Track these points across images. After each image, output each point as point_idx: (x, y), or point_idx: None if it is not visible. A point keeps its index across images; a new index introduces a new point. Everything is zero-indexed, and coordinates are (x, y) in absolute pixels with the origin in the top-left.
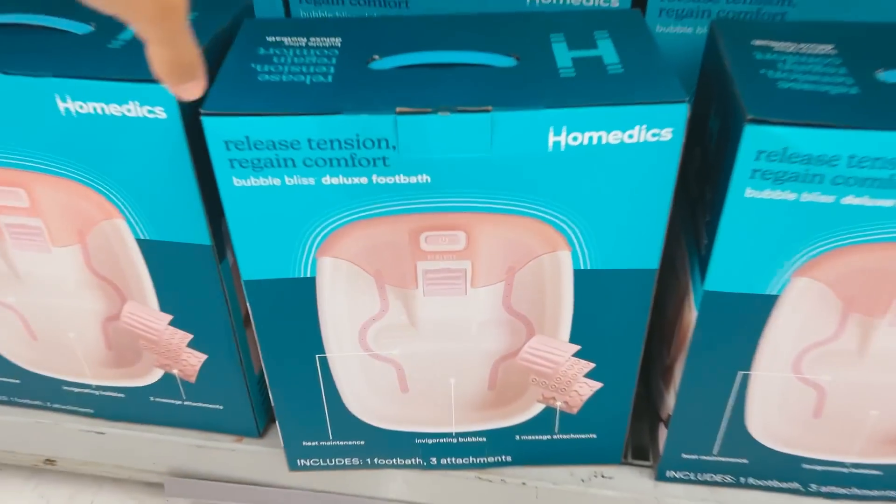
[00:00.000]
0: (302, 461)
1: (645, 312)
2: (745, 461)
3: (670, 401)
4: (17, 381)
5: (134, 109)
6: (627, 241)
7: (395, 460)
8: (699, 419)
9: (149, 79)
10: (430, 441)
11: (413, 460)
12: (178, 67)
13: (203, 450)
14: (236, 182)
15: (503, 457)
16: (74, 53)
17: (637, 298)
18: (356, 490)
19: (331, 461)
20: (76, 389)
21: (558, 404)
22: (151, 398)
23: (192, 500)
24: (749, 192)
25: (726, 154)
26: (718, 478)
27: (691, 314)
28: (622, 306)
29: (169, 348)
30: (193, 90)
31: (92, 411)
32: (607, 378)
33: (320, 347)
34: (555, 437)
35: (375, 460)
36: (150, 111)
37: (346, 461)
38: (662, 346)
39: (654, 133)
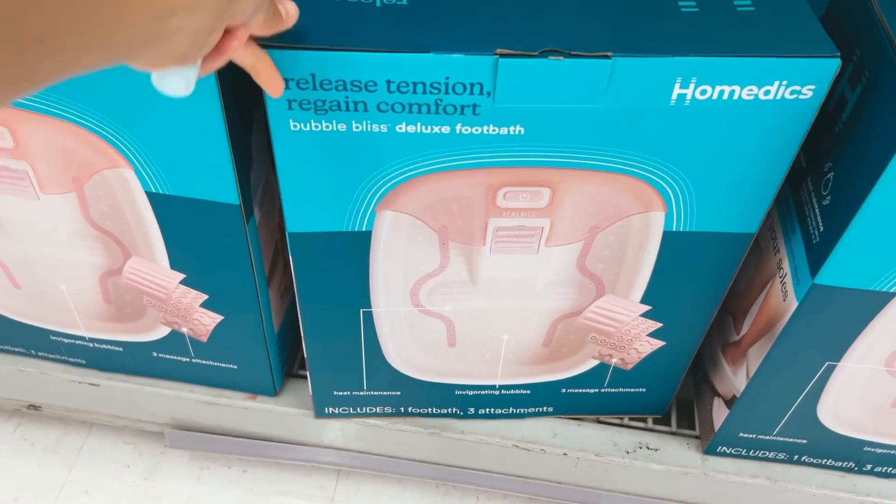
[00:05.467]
0: (330, 409)
1: (729, 276)
2: (803, 441)
3: (737, 381)
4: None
5: None
6: (732, 204)
7: (430, 409)
8: (768, 403)
9: None
10: (470, 393)
11: (450, 410)
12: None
13: (213, 406)
14: (293, 126)
15: (544, 408)
16: None
17: (725, 262)
18: (376, 448)
19: (361, 409)
20: (66, 340)
21: (614, 361)
22: (155, 353)
23: (192, 457)
24: None
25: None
26: (772, 455)
27: (785, 303)
28: (706, 269)
29: (179, 307)
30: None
31: (84, 362)
32: (671, 338)
33: (366, 302)
34: (603, 390)
35: (409, 409)
36: None
37: (378, 409)
38: (728, 318)
39: (794, 90)
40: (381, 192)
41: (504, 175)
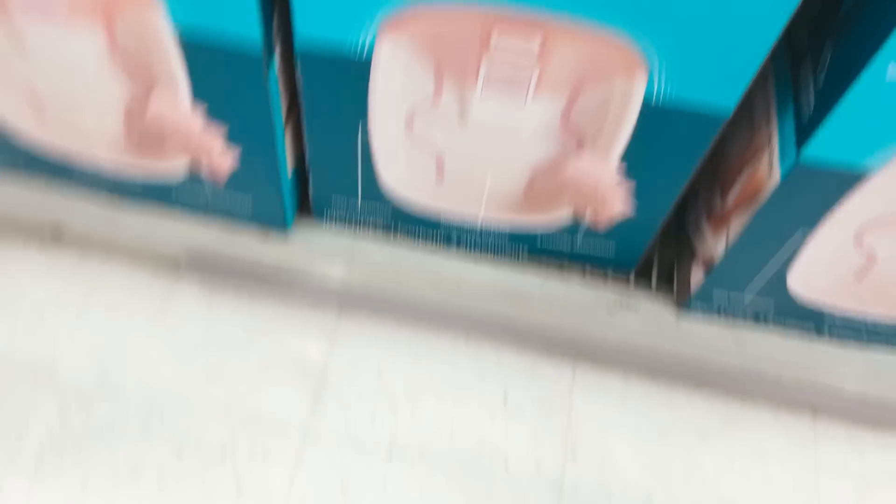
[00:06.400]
0: (328, 211)
1: (698, 156)
2: (770, 301)
3: (717, 247)
4: (25, 153)
5: None
6: (711, 76)
7: (417, 230)
8: (744, 269)
9: None
10: (454, 223)
11: (434, 233)
12: None
13: (227, 240)
14: None
15: (522, 250)
16: None
17: (696, 141)
18: (376, 290)
19: (355, 217)
20: (89, 170)
21: (587, 219)
22: (173, 184)
23: (205, 285)
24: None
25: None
26: (740, 314)
27: (769, 178)
28: (681, 142)
29: (201, 139)
30: None
31: (105, 191)
32: (643, 202)
33: (364, 115)
34: (575, 246)
35: (399, 227)
36: None
37: (371, 220)
38: (715, 187)
39: None
40: (382, 17)
41: (497, 18)
